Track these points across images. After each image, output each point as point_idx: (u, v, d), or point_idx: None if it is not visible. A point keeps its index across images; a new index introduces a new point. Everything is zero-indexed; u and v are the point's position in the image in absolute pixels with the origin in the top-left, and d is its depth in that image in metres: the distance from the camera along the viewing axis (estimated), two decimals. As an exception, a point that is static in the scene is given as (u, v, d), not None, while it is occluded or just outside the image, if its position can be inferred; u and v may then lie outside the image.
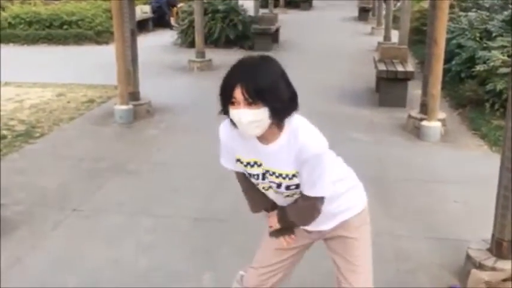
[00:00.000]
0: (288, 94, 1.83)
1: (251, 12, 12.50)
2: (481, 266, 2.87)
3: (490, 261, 2.88)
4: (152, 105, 6.43)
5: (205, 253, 3.31)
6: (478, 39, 7.30)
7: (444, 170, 4.74)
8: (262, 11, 14.00)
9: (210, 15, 11.17)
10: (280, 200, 2.05)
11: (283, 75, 1.85)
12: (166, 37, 12.41)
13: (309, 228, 2.10)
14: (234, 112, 1.80)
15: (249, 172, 1.99)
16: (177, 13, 14.27)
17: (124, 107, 6.03)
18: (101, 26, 12.15)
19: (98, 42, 11.88)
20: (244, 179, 2.07)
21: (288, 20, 15.55)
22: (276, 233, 2.12)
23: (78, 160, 4.92)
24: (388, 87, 6.74)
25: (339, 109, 6.71)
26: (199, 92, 7.36)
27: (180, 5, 14.53)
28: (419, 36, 9.85)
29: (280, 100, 1.79)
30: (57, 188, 4.28)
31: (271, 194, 2.04)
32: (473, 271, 2.85)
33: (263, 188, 2.02)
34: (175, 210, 3.90)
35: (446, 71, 6.61)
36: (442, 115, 5.70)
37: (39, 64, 9.51)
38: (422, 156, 5.10)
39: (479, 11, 8.30)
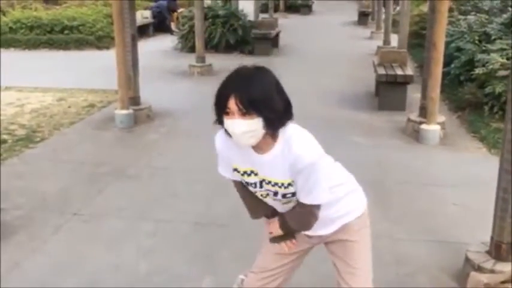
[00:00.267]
0: (281, 104, 1.84)
1: (251, 17, 12.53)
2: (480, 269, 2.88)
3: (489, 264, 2.89)
4: (152, 109, 6.45)
5: (205, 257, 3.32)
6: (477, 42, 7.32)
7: (443, 173, 4.74)
8: (262, 15, 14.04)
9: (210, 20, 11.20)
10: (279, 207, 2.07)
11: (277, 86, 1.86)
12: (166, 42, 12.44)
13: (309, 233, 2.11)
14: (228, 122, 1.82)
15: (246, 181, 2.01)
16: (177, 18, 14.31)
17: (124, 111, 6.05)
18: (102, 31, 12.18)
19: (99, 47, 11.91)
20: (242, 187, 2.09)
21: (287, 24, 15.58)
22: (277, 239, 2.14)
23: (79, 164, 4.93)
24: (388, 91, 6.76)
25: (339, 113, 6.73)
26: (200, 97, 7.37)
27: (180, 10, 14.58)
28: (419, 40, 9.88)
29: (274, 111, 1.80)
30: (57, 192, 4.30)
31: (270, 201, 2.06)
32: (472, 273, 2.86)
33: (261, 195, 2.04)
34: (176, 215, 3.91)
35: (445, 74, 6.62)
36: (441, 118, 5.71)
37: (40, 69, 9.53)
38: (422, 159, 5.11)
39: (478, 14, 8.31)
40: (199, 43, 9.18)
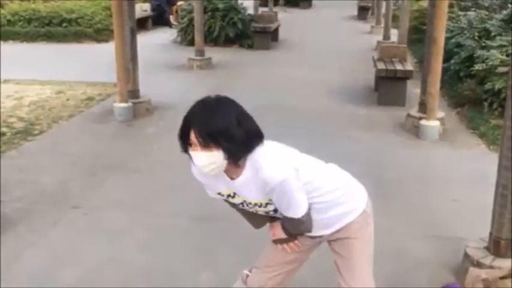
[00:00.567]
0: (242, 136, 1.84)
1: (251, 10, 12.50)
2: (478, 264, 2.89)
3: (487, 260, 2.90)
4: (152, 103, 6.43)
5: (204, 251, 3.32)
6: (477, 38, 7.30)
7: (442, 168, 4.75)
8: (261, 9, 13.99)
9: (209, 13, 11.15)
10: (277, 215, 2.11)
11: (239, 117, 1.87)
12: (165, 35, 12.40)
13: (310, 234, 2.13)
14: (192, 154, 1.88)
15: (232, 202, 2.08)
16: (176, 11, 14.26)
17: (123, 104, 6.04)
18: (101, 23, 12.12)
19: (98, 40, 11.85)
20: (234, 206, 2.14)
21: (287, 18, 15.54)
22: (280, 241, 2.16)
23: (77, 158, 4.92)
24: (387, 86, 6.75)
25: (338, 108, 6.72)
26: (199, 90, 7.29)
27: (179, 3, 14.51)
28: (419, 35, 9.85)
29: (233, 143, 1.82)
30: (56, 185, 4.29)
31: (263, 214, 2.11)
32: (471, 269, 2.87)
33: (253, 211, 2.09)
34: (175, 208, 3.91)
35: (445, 70, 6.62)
36: (440, 114, 5.71)
37: (38, 61, 9.50)
38: (421, 155, 5.11)
39: (478, 11, 8.30)
40: (198, 36, 9.14)
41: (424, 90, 5.83)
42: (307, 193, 1.98)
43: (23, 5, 12.77)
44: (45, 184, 4.29)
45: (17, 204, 3.91)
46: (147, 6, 14.37)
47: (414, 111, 5.86)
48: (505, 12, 7.66)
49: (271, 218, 2.15)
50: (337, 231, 2.11)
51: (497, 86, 5.95)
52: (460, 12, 8.85)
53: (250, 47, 11.25)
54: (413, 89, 6.91)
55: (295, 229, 2.08)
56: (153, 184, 4.36)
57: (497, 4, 8.58)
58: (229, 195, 2.05)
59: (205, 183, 2.10)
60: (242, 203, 2.06)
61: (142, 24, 13.11)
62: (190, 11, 10.86)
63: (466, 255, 3.00)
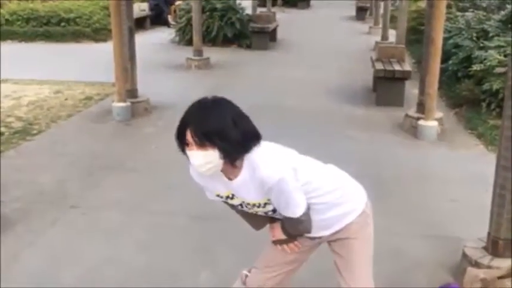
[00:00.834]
0: (238, 137, 1.86)
1: (249, 10, 12.50)
2: (477, 264, 2.90)
3: (486, 260, 2.91)
4: (150, 102, 6.43)
5: (203, 251, 3.33)
6: (474, 39, 7.32)
7: (440, 169, 4.76)
8: (260, 9, 13.99)
9: (208, 13, 11.16)
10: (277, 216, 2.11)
11: (235, 118, 1.89)
12: (164, 35, 12.40)
13: (310, 235, 2.14)
14: (188, 153, 1.90)
15: (231, 204, 2.09)
16: (174, 11, 14.25)
17: (122, 104, 6.04)
18: (99, 23, 12.12)
19: (96, 40, 11.85)
20: (233, 207, 2.15)
21: (285, 18, 15.55)
22: (279, 241, 2.17)
23: (76, 157, 4.92)
24: (386, 87, 6.76)
25: (336, 108, 6.73)
26: (197, 90, 7.32)
27: (177, 2, 14.49)
28: (417, 35, 9.87)
29: (229, 142, 1.84)
30: (54, 185, 4.29)
31: (263, 215, 2.11)
32: (469, 269, 2.87)
33: (252, 212, 2.10)
34: (173, 208, 3.91)
35: (443, 71, 6.63)
36: (438, 114, 5.72)
37: (36, 61, 9.49)
38: (419, 155, 5.12)
39: (476, 11, 8.32)
40: (196, 36, 9.14)
41: (422, 91, 5.84)
42: (305, 193, 1.99)
43: (21, 4, 12.76)
44: (44, 184, 4.29)
45: (15, 204, 3.91)
46: (145, 5, 14.37)
47: (412, 112, 5.87)
48: (503, 12, 7.68)
49: (271, 219, 2.16)
50: (337, 232, 2.11)
51: (495, 86, 5.96)
52: (458, 13, 8.88)
53: (249, 47, 11.27)
54: (411, 89, 6.92)
55: (294, 229, 2.09)
56: (152, 183, 4.36)
57: (495, 5, 8.60)
58: (228, 197, 2.06)
59: (204, 185, 2.10)
60: (241, 204, 2.06)
61: (140, 23, 13.11)
62: (189, 11, 10.86)
63: (464, 255, 3.01)
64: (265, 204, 2.00)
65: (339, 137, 5.44)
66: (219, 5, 11.35)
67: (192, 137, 1.84)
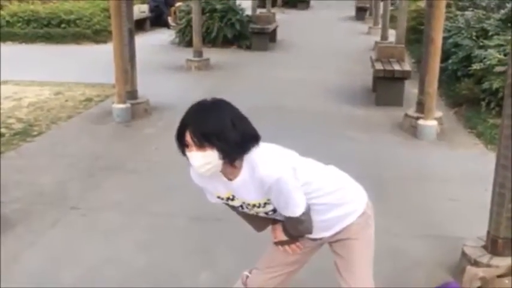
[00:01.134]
0: (236, 138, 1.88)
1: (249, 11, 12.50)
2: (476, 263, 2.90)
3: (485, 258, 2.91)
4: (150, 104, 6.44)
5: (203, 251, 3.33)
6: (474, 38, 7.32)
7: (440, 168, 4.76)
8: (259, 10, 13.99)
9: (207, 14, 11.17)
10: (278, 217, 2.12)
11: (234, 119, 1.91)
12: (164, 36, 12.41)
13: (311, 236, 2.15)
14: (188, 155, 1.92)
15: (231, 205, 2.10)
16: (174, 12, 14.26)
17: (122, 105, 6.04)
18: (99, 25, 12.13)
19: (96, 41, 11.86)
20: (234, 209, 2.15)
21: (285, 19, 15.56)
22: (281, 242, 2.18)
23: (76, 159, 4.93)
24: (385, 86, 6.76)
25: (336, 108, 6.73)
26: (197, 91, 7.35)
27: (177, 4, 14.51)
28: (416, 35, 9.87)
29: (227, 143, 1.86)
30: (55, 186, 4.30)
31: (264, 216, 2.12)
32: (469, 268, 2.87)
33: (253, 213, 2.10)
34: (173, 209, 3.92)
35: (442, 70, 6.63)
36: (438, 114, 5.72)
37: (37, 63, 9.50)
38: (419, 154, 5.12)
39: (475, 10, 8.32)
40: (196, 37, 9.15)
41: (421, 90, 5.84)
42: (306, 194, 2.00)
43: (22, 6, 12.78)
44: (44, 185, 4.30)
45: (15, 205, 3.92)
46: (145, 7, 14.38)
47: (412, 111, 5.88)
48: (502, 11, 7.68)
49: (273, 220, 2.16)
50: (338, 232, 2.12)
51: (495, 85, 5.96)
52: (458, 12, 8.88)
53: (248, 48, 11.27)
54: (411, 89, 6.92)
55: (295, 229, 2.09)
56: (152, 185, 4.37)
57: (495, 4, 8.60)
58: (228, 198, 2.07)
59: (204, 187, 2.11)
60: (241, 205, 2.07)
61: (140, 25, 13.12)
62: (189, 12, 10.87)
63: (464, 254, 3.01)
64: (265, 204, 2.00)
65: (338, 137, 5.44)
66: (218, 6, 11.36)
67: (191, 138, 1.86)
